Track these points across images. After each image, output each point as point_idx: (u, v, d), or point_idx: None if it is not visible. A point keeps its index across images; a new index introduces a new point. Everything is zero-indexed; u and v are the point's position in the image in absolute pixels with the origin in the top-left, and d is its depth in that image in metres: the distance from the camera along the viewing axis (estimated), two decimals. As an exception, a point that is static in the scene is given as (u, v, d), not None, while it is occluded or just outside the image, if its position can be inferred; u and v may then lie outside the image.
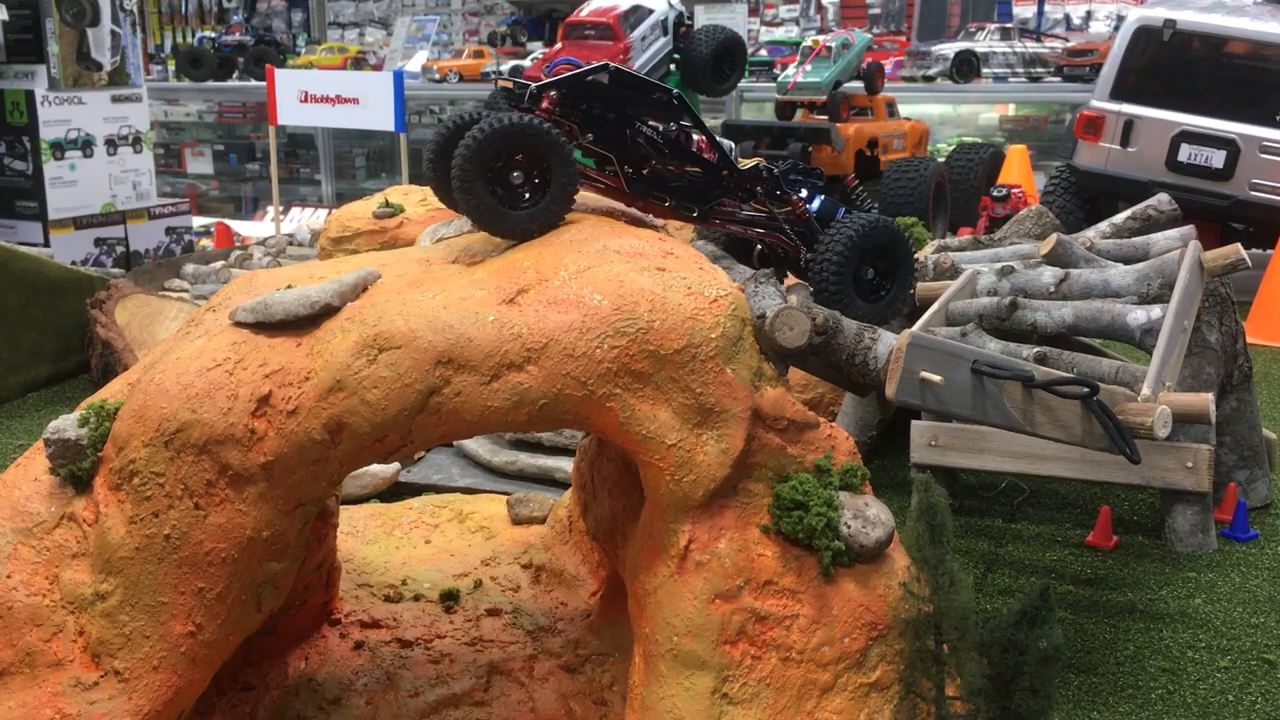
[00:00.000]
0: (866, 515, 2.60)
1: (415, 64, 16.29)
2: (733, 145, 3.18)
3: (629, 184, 2.98)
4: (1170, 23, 8.36)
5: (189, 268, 7.85)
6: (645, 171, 3.01)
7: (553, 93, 2.85)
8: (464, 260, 2.76)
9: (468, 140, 2.66)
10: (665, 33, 10.64)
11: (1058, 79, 13.73)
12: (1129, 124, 8.49)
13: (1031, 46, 14.16)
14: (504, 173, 2.72)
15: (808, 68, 10.56)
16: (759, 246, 3.32)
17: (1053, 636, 2.56)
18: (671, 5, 10.65)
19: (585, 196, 3.05)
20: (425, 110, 16.62)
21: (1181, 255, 4.23)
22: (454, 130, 2.88)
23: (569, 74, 2.90)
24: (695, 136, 3.06)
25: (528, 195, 2.75)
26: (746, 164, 3.17)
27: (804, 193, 3.22)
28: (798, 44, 12.54)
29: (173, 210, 9.46)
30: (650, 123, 2.99)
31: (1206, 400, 3.69)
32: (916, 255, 3.25)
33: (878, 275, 3.12)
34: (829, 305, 3.00)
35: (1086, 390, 2.94)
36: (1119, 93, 8.59)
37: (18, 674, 2.50)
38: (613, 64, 2.94)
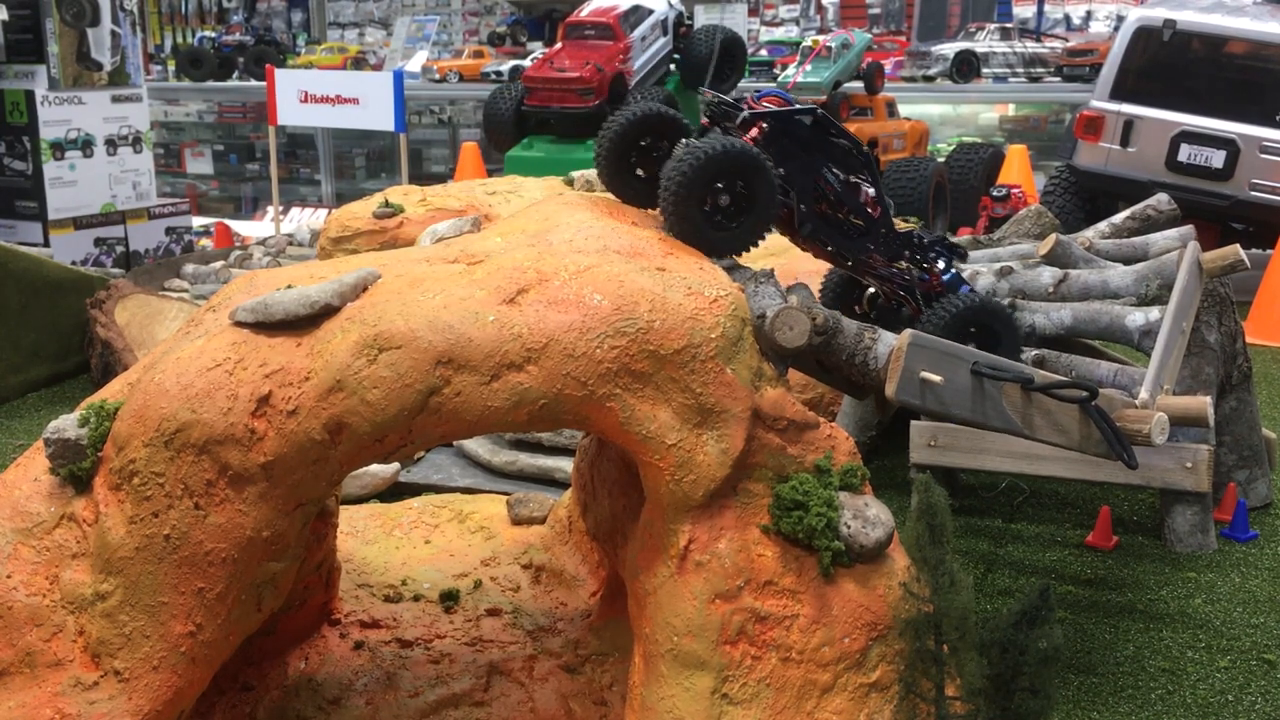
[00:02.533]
0: (866, 515, 2.60)
1: (415, 64, 16.30)
2: (891, 203, 3.35)
3: (801, 221, 3.10)
4: (1170, 23, 8.36)
5: (189, 268, 7.85)
6: (816, 211, 3.16)
7: (764, 124, 2.98)
8: (464, 260, 2.76)
9: (686, 162, 2.75)
10: (665, 33, 10.65)
11: (1058, 79, 13.74)
12: (1129, 124, 8.49)
13: (1031, 46, 14.17)
14: (713, 194, 2.82)
15: (808, 68, 10.57)
16: (871, 293, 3.51)
17: (1053, 636, 2.56)
18: (671, 5, 10.66)
19: (589, 196, 3.07)
20: (425, 110, 16.63)
21: (1180, 256, 4.23)
22: (628, 127, 3.00)
23: (781, 109, 3.03)
24: (866, 190, 3.21)
25: (732, 216, 2.85)
26: (902, 228, 3.34)
27: (942, 264, 3.39)
28: (798, 44, 12.56)
29: (172, 210, 9.46)
30: (834, 169, 3.13)
31: (1204, 404, 3.69)
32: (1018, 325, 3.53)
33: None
34: None
35: (1085, 394, 2.95)
36: (1119, 93, 8.59)
37: (18, 674, 2.50)
38: (819, 108, 3.09)
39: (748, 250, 2.89)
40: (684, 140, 2.92)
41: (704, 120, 3.13)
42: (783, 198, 3.01)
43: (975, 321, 3.19)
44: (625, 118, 3.01)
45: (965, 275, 3.49)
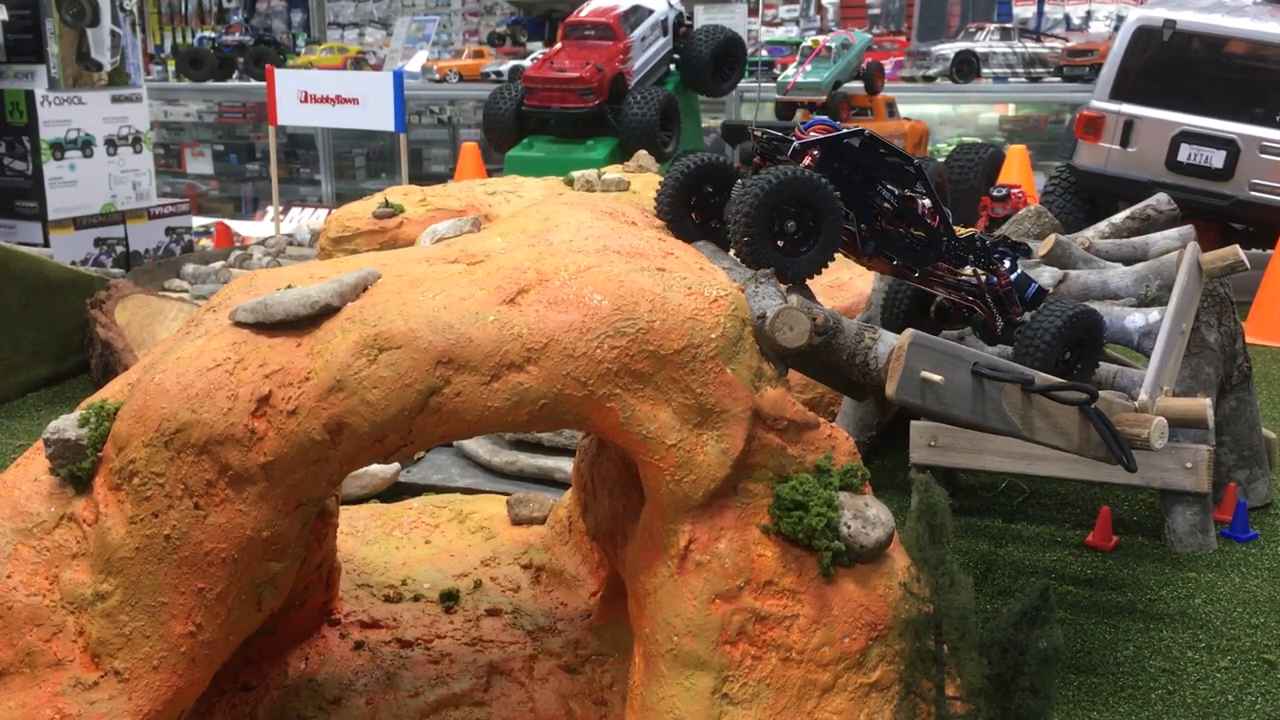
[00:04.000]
0: (866, 515, 2.60)
1: (415, 64, 16.30)
2: (949, 213, 3.43)
3: (863, 241, 3.18)
4: (1170, 23, 8.36)
5: (189, 268, 7.85)
6: (876, 230, 3.25)
7: (815, 152, 3.06)
8: (464, 260, 2.76)
9: (752, 192, 2.82)
10: (665, 33, 10.65)
11: (1058, 79, 13.73)
12: (1129, 124, 8.49)
13: (1031, 46, 14.16)
14: (779, 222, 2.89)
15: (808, 68, 10.56)
16: (939, 301, 3.64)
17: (1053, 636, 2.56)
18: (671, 5, 10.65)
19: (589, 196, 3.08)
20: (425, 110, 16.62)
21: (1180, 257, 4.23)
22: (692, 173, 3.12)
23: (829, 135, 3.11)
24: (922, 203, 3.29)
25: (800, 243, 2.92)
26: (963, 233, 3.42)
27: (1007, 264, 3.49)
28: (798, 44, 12.55)
29: (172, 210, 9.46)
30: (888, 186, 3.22)
31: (1204, 405, 3.69)
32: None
33: (1074, 358, 3.42)
34: None
35: (1085, 397, 2.95)
36: (1119, 93, 8.59)
37: (18, 674, 2.50)
38: (867, 130, 3.17)
39: (818, 274, 2.94)
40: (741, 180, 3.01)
41: (755, 159, 3.22)
42: (848, 222, 3.10)
43: (1073, 334, 3.31)
44: (686, 166, 3.13)
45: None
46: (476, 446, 5.02)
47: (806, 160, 3.05)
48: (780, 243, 2.88)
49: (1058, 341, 3.27)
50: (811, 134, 3.13)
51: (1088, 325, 3.34)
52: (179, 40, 20.95)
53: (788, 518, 2.56)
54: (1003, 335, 3.53)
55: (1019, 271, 3.51)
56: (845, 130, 3.15)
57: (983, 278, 3.44)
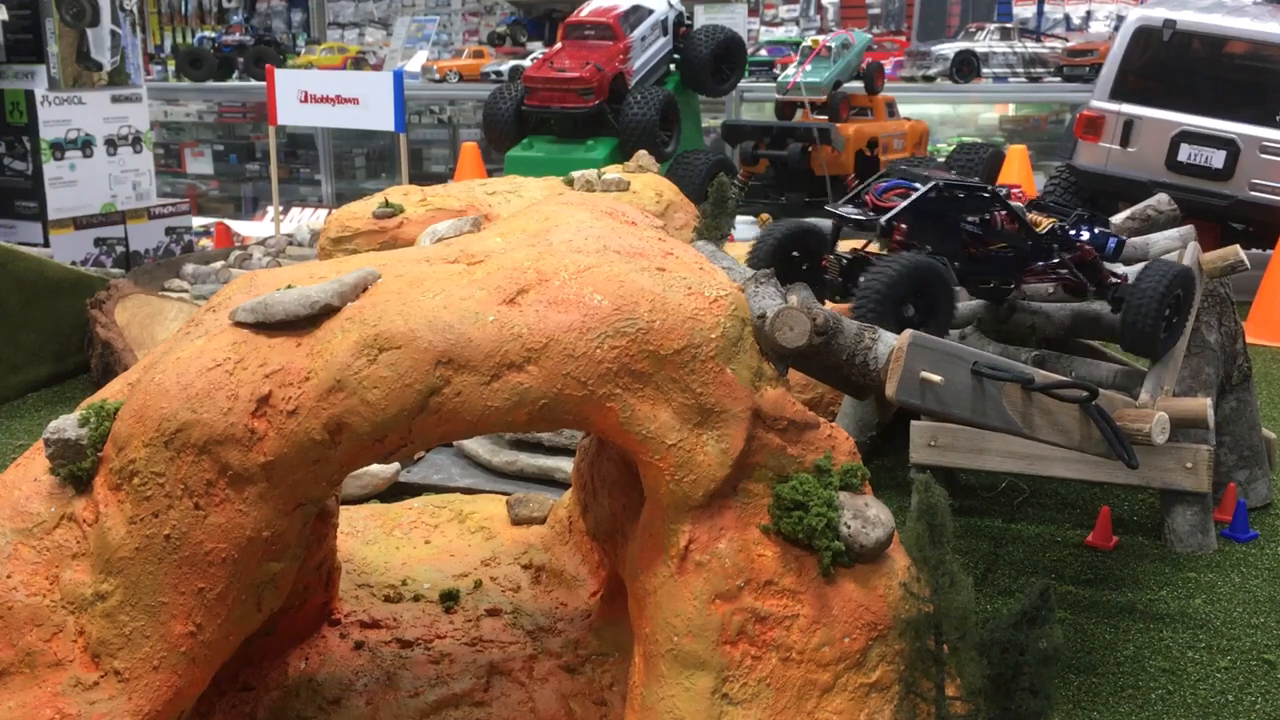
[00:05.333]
0: (866, 515, 2.60)
1: (415, 64, 16.30)
2: (1025, 208, 3.65)
3: (963, 278, 3.42)
4: (1170, 23, 8.36)
5: (189, 268, 7.85)
6: (966, 258, 3.46)
7: (902, 224, 3.27)
8: (464, 260, 2.76)
9: (879, 282, 3.05)
10: (665, 33, 10.65)
11: (1058, 79, 13.74)
12: (1129, 124, 8.49)
13: (1031, 46, 14.17)
14: (904, 304, 3.14)
15: (808, 68, 10.56)
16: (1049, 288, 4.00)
17: (1053, 636, 2.55)
18: (671, 5, 10.66)
19: (589, 196, 3.10)
20: (425, 110, 16.62)
21: (1180, 257, 4.23)
22: (783, 240, 3.31)
23: (907, 200, 3.30)
24: (998, 215, 3.49)
25: (920, 323, 3.13)
26: (1041, 227, 3.63)
27: (1084, 235, 3.75)
28: (798, 44, 12.55)
29: (173, 210, 9.46)
30: (969, 219, 3.43)
31: (1204, 405, 3.69)
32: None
33: (1174, 312, 3.78)
34: (1140, 340, 3.75)
35: (1085, 394, 2.95)
36: (1119, 93, 8.59)
37: (18, 674, 2.50)
38: (940, 180, 3.36)
39: None
40: (870, 260, 3.22)
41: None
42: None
43: (1175, 291, 3.63)
44: (781, 232, 3.30)
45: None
46: (476, 446, 5.02)
47: (898, 236, 3.23)
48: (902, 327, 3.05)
49: (1165, 303, 3.60)
50: (890, 200, 3.28)
51: (1186, 282, 3.66)
52: (179, 40, 20.96)
53: (788, 518, 2.56)
54: (1099, 295, 3.85)
55: (1095, 233, 3.74)
56: (918, 187, 3.31)
57: (1068, 258, 3.66)
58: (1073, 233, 3.71)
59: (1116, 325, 3.94)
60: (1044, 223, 3.66)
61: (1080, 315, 4.36)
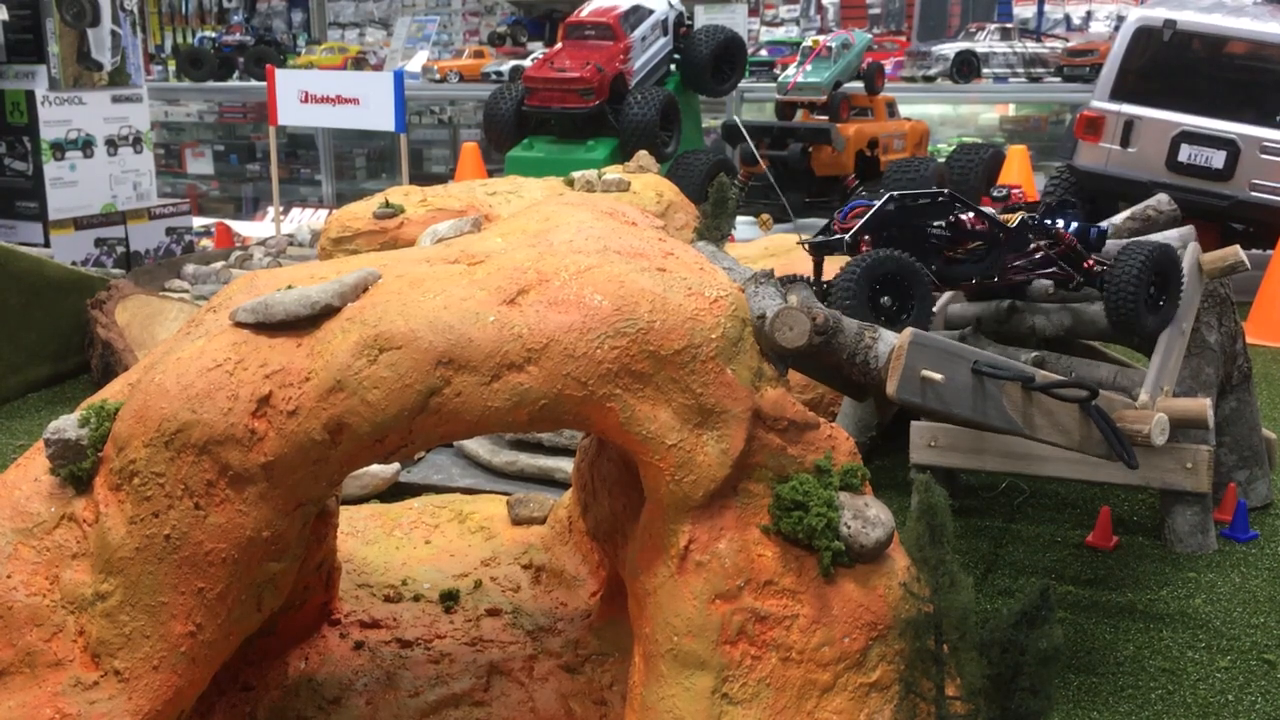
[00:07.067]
0: (866, 515, 2.60)
1: (415, 64, 16.30)
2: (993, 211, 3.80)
3: (942, 279, 3.53)
4: (1170, 23, 8.35)
5: (189, 268, 7.85)
6: (942, 261, 3.57)
7: (865, 236, 3.44)
8: (464, 260, 2.76)
9: (847, 277, 3.21)
10: (665, 33, 10.65)
11: (1058, 79, 13.74)
12: (1129, 124, 8.49)
13: (1031, 47, 14.17)
14: (877, 296, 3.27)
15: (808, 68, 10.56)
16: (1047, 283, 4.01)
17: (1053, 636, 2.55)
18: (671, 5, 10.65)
19: (589, 196, 3.11)
20: (425, 110, 16.63)
21: (1180, 257, 4.22)
22: (870, 270, 3.38)
23: (867, 215, 3.47)
24: (965, 216, 3.60)
25: (899, 312, 3.28)
26: (1010, 220, 3.73)
27: (1060, 223, 3.83)
28: (798, 44, 12.55)
29: (173, 210, 9.46)
30: (933, 225, 3.54)
31: (1204, 405, 3.69)
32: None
33: (1159, 291, 3.85)
34: (1125, 321, 3.80)
35: (1085, 394, 2.95)
36: (1119, 93, 8.58)
37: (18, 674, 2.50)
38: (895, 194, 3.52)
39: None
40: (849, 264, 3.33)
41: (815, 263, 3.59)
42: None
43: (1157, 269, 3.69)
44: (868, 262, 3.40)
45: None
46: (476, 446, 5.02)
47: (864, 249, 3.36)
48: (882, 317, 3.18)
49: (1143, 281, 3.65)
50: (852, 219, 3.46)
51: (1165, 260, 3.70)
52: (179, 40, 20.96)
53: (788, 518, 2.56)
54: (1087, 284, 3.90)
55: (1077, 225, 3.80)
56: (877, 204, 3.45)
57: (1047, 248, 3.72)
58: (1047, 221, 3.79)
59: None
60: (1012, 218, 3.76)
61: (1080, 315, 4.36)
